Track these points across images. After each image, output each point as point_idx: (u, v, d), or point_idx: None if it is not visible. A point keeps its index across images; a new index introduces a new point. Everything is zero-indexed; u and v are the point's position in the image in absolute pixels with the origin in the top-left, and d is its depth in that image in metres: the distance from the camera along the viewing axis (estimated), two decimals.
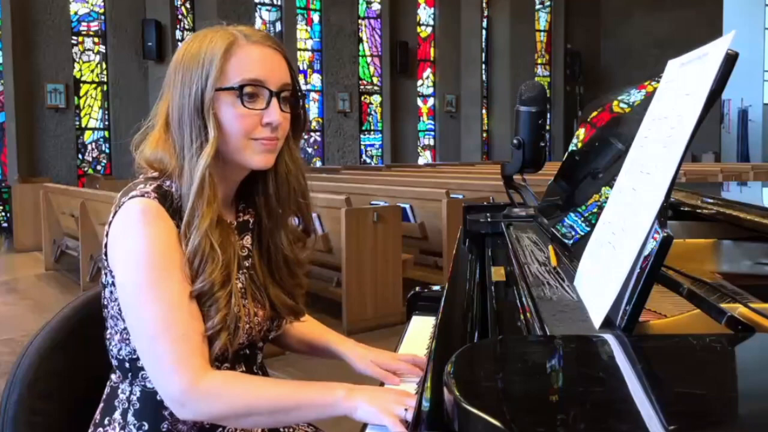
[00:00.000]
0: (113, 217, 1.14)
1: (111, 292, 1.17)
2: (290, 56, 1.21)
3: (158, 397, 1.13)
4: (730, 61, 0.76)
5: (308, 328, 1.43)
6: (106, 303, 1.19)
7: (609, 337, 0.75)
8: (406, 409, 1.00)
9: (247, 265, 1.25)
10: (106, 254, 1.15)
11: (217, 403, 1.07)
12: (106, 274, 1.17)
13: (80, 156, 10.73)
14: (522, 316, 0.95)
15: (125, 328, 1.15)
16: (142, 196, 1.12)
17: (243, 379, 1.15)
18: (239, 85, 1.14)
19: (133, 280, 1.10)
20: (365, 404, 1.03)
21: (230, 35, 1.16)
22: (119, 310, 1.15)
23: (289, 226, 1.29)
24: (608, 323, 0.80)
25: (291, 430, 1.34)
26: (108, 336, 1.20)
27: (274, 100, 1.16)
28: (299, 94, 1.23)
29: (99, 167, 10.92)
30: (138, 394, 1.18)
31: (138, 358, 1.15)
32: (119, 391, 1.19)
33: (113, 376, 1.22)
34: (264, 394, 1.08)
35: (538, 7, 15.97)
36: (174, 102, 1.17)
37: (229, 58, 1.14)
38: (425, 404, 0.87)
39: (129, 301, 1.11)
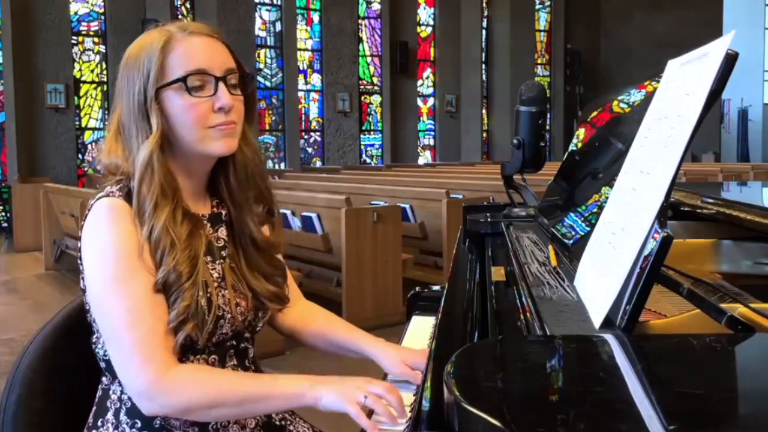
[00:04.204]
0: (84, 221, 1.17)
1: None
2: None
3: None
4: (730, 61, 0.76)
5: (331, 324, 1.42)
6: (88, 307, 1.20)
7: (609, 337, 0.75)
8: (365, 396, 1.06)
9: (224, 255, 1.26)
10: (81, 258, 1.18)
11: (186, 392, 1.09)
12: (83, 278, 1.18)
13: (80, 156, 10.72)
14: (522, 316, 0.95)
15: None
16: (108, 195, 1.17)
17: (210, 370, 1.17)
18: (183, 75, 1.16)
19: (101, 276, 1.12)
20: (328, 394, 1.08)
21: (166, 32, 1.20)
22: None
23: (254, 209, 1.30)
24: (608, 323, 0.80)
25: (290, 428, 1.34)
26: (94, 339, 1.22)
27: (221, 85, 1.18)
28: (247, 77, 1.25)
29: (99, 167, 10.90)
30: None
31: None
32: (110, 392, 1.20)
33: (104, 379, 1.23)
34: (232, 384, 1.12)
35: (538, 7, 15.97)
36: (123, 107, 1.21)
37: (167, 54, 1.17)
38: (425, 404, 0.87)
39: (97, 296, 1.13)
